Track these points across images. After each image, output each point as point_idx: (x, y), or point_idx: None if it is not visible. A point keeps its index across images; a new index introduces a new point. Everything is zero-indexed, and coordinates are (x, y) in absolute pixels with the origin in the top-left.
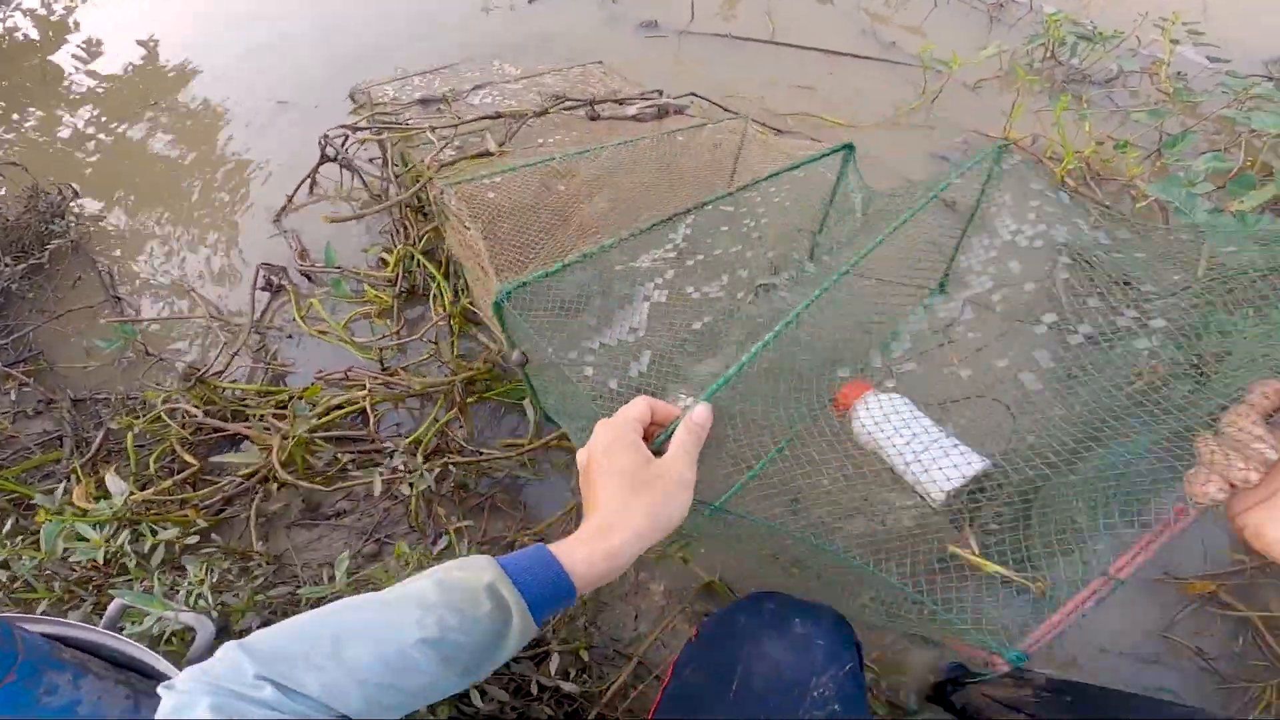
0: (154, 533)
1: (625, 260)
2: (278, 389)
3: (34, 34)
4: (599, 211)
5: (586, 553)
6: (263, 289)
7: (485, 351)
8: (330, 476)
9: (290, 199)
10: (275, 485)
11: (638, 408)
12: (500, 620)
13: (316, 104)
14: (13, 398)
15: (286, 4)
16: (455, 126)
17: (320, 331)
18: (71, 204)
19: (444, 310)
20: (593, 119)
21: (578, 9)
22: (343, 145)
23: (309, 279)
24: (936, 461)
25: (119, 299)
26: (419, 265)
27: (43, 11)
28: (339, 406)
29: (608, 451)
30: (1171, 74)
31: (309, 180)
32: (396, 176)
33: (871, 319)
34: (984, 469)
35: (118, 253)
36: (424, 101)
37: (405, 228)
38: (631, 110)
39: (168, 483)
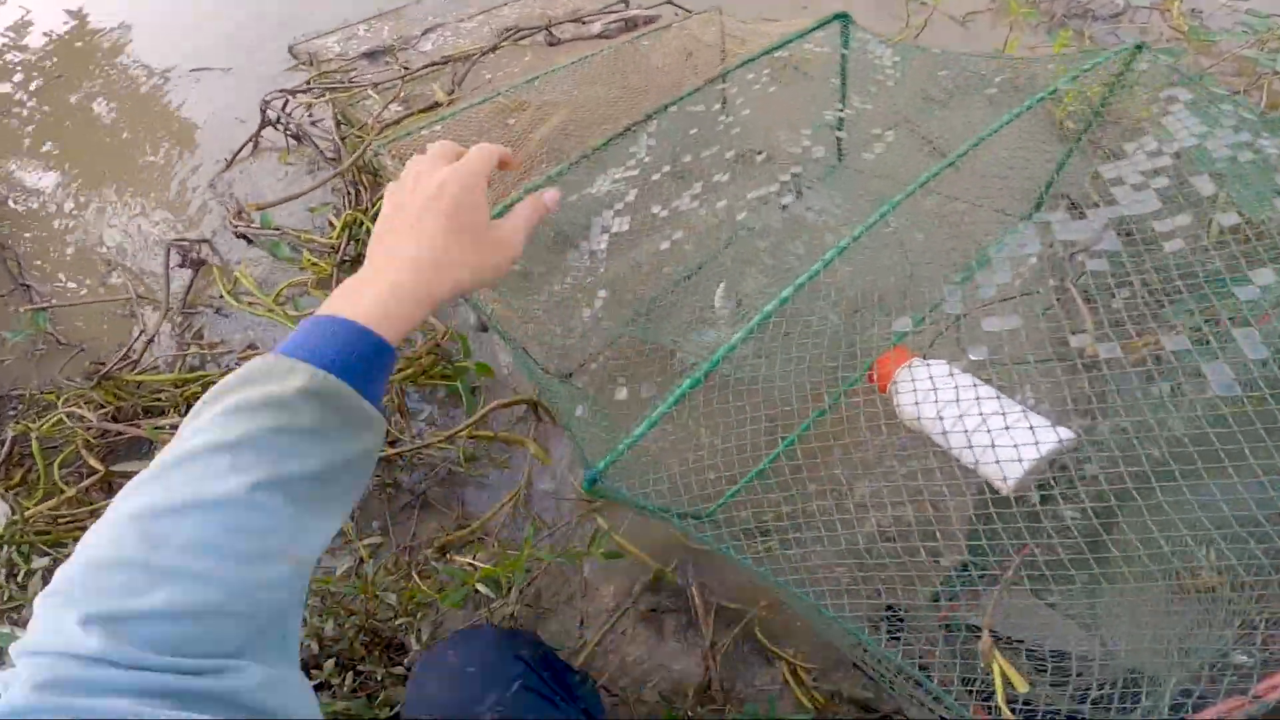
0: (34, 556)
1: (579, 188)
2: (195, 375)
3: None
4: (545, 138)
5: (403, 314)
6: (180, 265)
7: (432, 333)
8: None
9: (229, 163)
10: None
11: (486, 156)
12: (340, 425)
13: (254, 63)
14: None
15: None
16: (401, 79)
17: (251, 303)
18: None
19: None
20: (552, 44)
21: None
22: (284, 109)
23: (248, 241)
24: (1003, 438)
25: (28, 287)
26: (367, 232)
27: None
28: None
29: (451, 193)
30: (1185, 10)
31: (251, 143)
32: (344, 139)
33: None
34: (1068, 444)
35: (29, 235)
36: (370, 54)
37: (357, 191)
38: (595, 27)
39: (71, 491)
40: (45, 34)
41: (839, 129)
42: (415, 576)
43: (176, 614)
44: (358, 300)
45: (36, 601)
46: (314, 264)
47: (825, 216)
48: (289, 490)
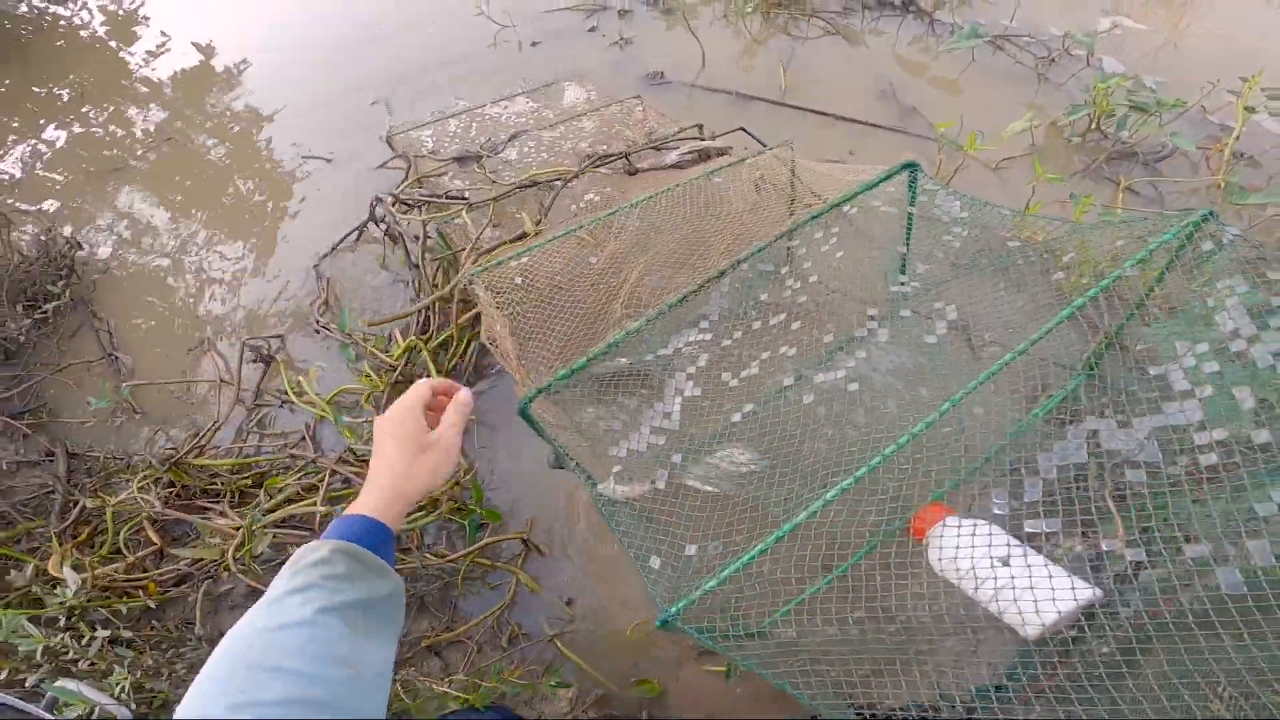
0: (100, 625)
1: (656, 347)
2: (249, 460)
3: (101, 29)
4: (630, 286)
5: (390, 511)
6: (253, 361)
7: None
8: (279, 565)
9: (334, 248)
10: (225, 571)
11: (420, 391)
12: (364, 571)
13: (349, 152)
14: (17, 448)
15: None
16: (492, 202)
17: (309, 403)
18: (78, 255)
19: None
20: (630, 174)
21: (585, 53)
22: (390, 211)
23: (327, 331)
24: (1029, 592)
25: (116, 358)
26: (423, 360)
27: (112, 6)
28: (291, 500)
29: (397, 422)
30: (1236, 151)
31: (356, 233)
32: (438, 263)
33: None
34: (1091, 600)
35: (129, 297)
36: (460, 159)
37: (427, 319)
38: (671, 157)
39: (130, 558)
40: (174, 72)
41: (904, 299)
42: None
43: (287, 701)
44: (360, 505)
45: (187, 696)
46: (369, 378)
47: (890, 379)
48: (343, 614)
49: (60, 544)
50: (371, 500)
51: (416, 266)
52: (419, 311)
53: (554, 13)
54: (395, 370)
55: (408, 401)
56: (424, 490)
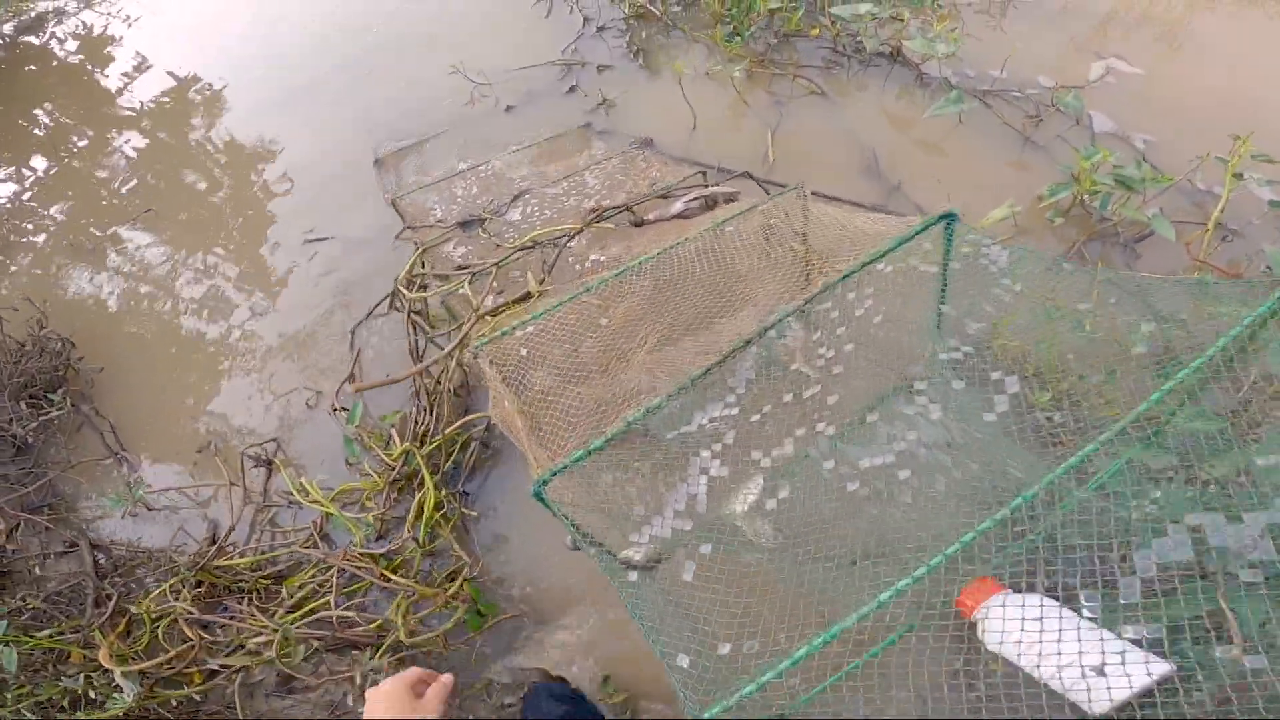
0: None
1: (679, 423)
2: (267, 555)
3: (75, 57)
4: (647, 351)
5: None
6: (254, 466)
7: (456, 562)
8: (308, 657)
9: (370, 313)
10: (256, 667)
11: (409, 676)
12: None
13: (346, 221)
14: (41, 541)
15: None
16: (495, 267)
17: (314, 501)
18: (73, 355)
19: (422, 512)
20: (636, 225)
21: (566, 118)
22: (406, 296)
23: (344, 410)
24: (1096, 669)
25: (123, 457)
26: (417, 463)
27: (82, 31)
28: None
29: (389, 694)
30: (1221, 224)
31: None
32: (454, 344)
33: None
34: (1165, 675)
35: (125, 401)
36: (465, 224)
37: (417, 419)
38: (676, 206)
39: (172, 651)
40: (152, 140)
41: (954, 367)
42: None
43: None
44: None
45: None
46: (366, 477)
47: (937, 454)
48: None
49: (103, 635)
50: None
51: (425, 374)
52: (417, 415)
53: (529, 69)
54: (393, 469)
55: (398, 681)
56: None
